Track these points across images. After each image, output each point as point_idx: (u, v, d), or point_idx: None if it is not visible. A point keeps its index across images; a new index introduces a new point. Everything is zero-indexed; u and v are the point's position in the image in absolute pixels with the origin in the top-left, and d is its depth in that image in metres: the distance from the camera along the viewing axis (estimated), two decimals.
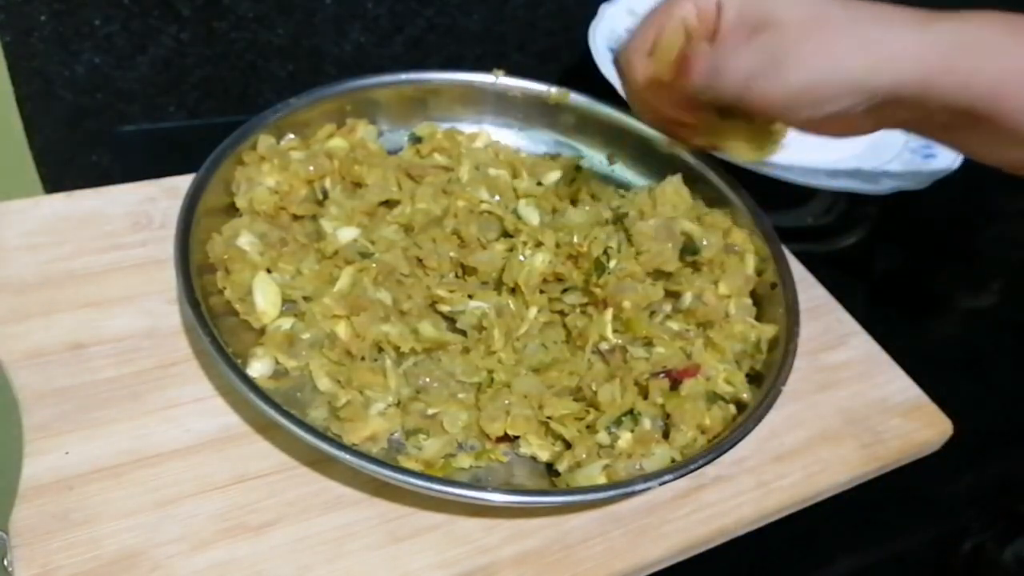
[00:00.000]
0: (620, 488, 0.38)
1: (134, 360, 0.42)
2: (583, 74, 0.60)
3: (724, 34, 0.43)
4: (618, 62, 0.50)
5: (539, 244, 0.47)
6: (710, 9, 0.44)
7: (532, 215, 0.50)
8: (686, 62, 0.43)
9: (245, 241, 0.45)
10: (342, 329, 0.43)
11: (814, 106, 0.40)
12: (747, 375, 0.45)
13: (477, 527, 0.39)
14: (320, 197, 0.49)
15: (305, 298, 0.45)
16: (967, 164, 0.61)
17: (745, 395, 0.44)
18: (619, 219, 0.48)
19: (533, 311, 0.46)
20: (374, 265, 0.46)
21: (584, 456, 0.40)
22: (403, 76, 0.54)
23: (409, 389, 0.43)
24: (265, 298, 0.44)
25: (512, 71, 0.56)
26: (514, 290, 0.47)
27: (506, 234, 0.50)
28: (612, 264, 0.46)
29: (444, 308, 0.46)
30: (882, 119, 0.43)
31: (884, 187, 0.59)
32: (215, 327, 0.39)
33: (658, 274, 0.47)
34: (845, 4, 0.40)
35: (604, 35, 0.64)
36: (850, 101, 0.40)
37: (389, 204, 0.50)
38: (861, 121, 0.43)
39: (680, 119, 0.49)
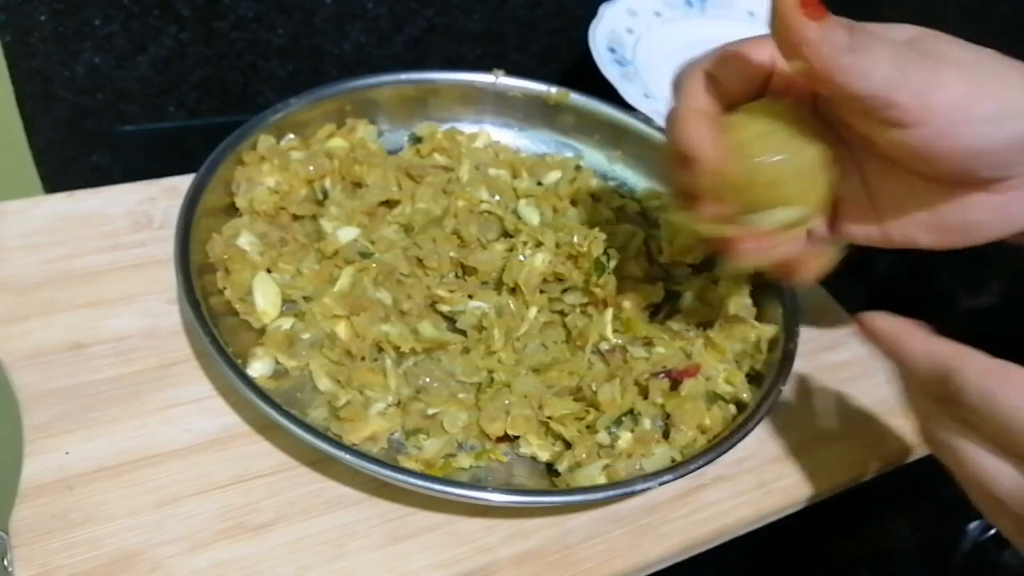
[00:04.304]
0: (620, 488, 0.38)
1: (134, 360, 0.42)
2: (583, 74, 0.60)
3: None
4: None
5: (539, 244, 0.47)
6: None
7: (532, 215, 0.50)
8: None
9: (245, 241, 0.45)
10: (342, 329, 0.43)
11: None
12: (747, 375, 0.45)
13: (477, 527, 0.39)
14: (320, 197, 0.49)
15: (305, 298, 0.45)
16: None
17: (745, 395, 0.44)
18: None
19: (533, 311, 0.46)
20: (374, 265, 0.46)
21: (584, 456, 0.40)
22: (403, 76, 0.54)
23: (409, 389, 0.43)
24: (265, 298, 0.44)
25: (512, 71, 0.56)
26: (514, 290, 0.47)
27: (506, 234, 0.50)
28: (612, 264, 0.46)
29: (444, 308, 0.46)
30: None
31: None
32: (215, 327, 0.39)
33: (659, 272, 0.47)
34: None
35: (604, 35, 0.64)
36: None
37: (389, 204, 0.50)
38: None
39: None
